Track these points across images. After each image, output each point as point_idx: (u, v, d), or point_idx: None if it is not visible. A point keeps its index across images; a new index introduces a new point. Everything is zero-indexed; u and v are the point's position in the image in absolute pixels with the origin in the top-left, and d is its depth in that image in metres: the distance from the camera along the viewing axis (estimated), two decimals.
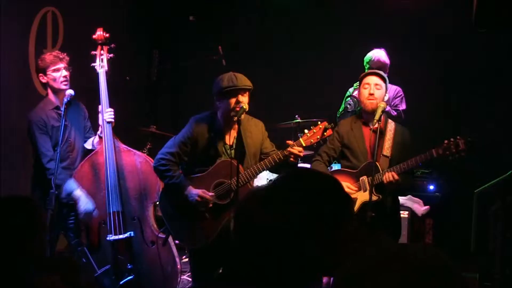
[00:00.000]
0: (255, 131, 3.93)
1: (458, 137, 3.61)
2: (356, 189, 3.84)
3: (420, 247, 1.60)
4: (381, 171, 3.75)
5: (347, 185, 3.79)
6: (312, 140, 3.71)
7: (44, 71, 4.13)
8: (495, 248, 4.51)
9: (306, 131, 3.76)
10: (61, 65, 4.13)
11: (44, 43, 5.21)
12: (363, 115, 3.96)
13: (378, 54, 4.89)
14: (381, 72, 3.98)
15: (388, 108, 3.98)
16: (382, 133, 3.82)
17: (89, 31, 4.42)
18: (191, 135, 3.84)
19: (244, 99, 3.73)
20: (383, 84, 3.86)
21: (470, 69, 5.64)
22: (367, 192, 3.75)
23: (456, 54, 5.70)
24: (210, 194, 3.79)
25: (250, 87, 3.76)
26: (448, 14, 5.63)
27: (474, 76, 5.68)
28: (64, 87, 4.12)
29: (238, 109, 3.70)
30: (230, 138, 3.90)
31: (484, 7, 4.15)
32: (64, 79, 4.14)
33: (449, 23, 5.65)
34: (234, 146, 3.88)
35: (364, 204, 3.77)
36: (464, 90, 5.73)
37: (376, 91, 3.82)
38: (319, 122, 3.75)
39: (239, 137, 3.78)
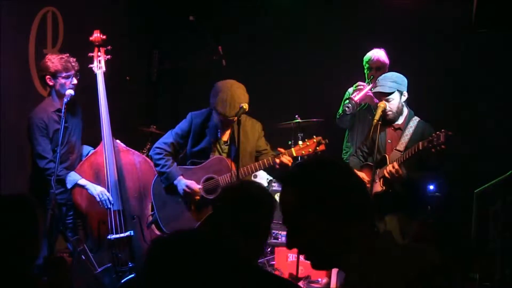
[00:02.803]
0: (252, 130, 4.05)
1: (442, 130, 3.70)
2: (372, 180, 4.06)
3: (419, 247, 1.60)
4: (388, 164, 3.95)
5: (363, 177, 4.00)
6: (303, 152, 3.84)
7: (54, 74, 4.08)
8: (495, 248, 4.52)
9: (300, 142, 3.86)
10: (72, 72, 4.12)
11: (44, 43, 5.21)
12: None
13: (378, 54, 4.89)
14: (385, 88, 4.03)
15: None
16: (401, 129, 4.06)
17: (89, 31, 4.43)
18: (187, 128, 4.08)
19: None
20: (392, 95, 3.99)
21: (470, 69, 5.63)
22: (378, 184, 4.01)
23: (456, 54, 5.70)
24: (199, 186, 4.00)
25: (234, 118, 3.84)
26: (448, 14, 5.62)
27: (474, 76, 5.67)
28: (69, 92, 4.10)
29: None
30: (226, 135, 4.05)
31: (484, 7, 4.15)
32: (73, 86, 4.12)
33: (449, 23, 5.65)
34: (228, 143, 4.04)
35: (375, 195, 3.98)
36: (464, 90, 5.73)
37: (389, 104, 4.02)
38: (314, 136, 3.88)
39: (233, 135, 3.97)
